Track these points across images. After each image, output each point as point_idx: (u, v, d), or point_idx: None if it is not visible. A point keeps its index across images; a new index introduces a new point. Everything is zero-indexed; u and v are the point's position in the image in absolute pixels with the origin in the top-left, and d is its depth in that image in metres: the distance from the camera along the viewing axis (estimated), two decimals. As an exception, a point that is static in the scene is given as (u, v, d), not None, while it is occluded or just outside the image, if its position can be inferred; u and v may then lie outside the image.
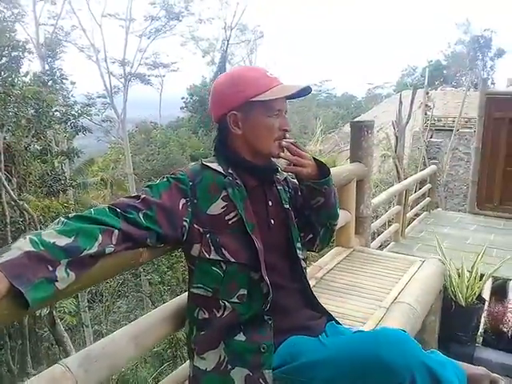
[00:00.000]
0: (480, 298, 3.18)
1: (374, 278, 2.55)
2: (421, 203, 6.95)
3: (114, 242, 1.10)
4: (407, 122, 11.88)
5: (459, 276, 3.13)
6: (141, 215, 1.17)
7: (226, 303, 1.28)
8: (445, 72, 40.28)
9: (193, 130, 25.80)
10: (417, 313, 2.07)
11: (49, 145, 11.02)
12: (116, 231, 1.11)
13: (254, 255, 1.28)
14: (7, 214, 8.07)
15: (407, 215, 5.98)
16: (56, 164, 11.66)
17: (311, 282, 2.11)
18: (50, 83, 12.76)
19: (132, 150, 22.01)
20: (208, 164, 1.35)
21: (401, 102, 11.43)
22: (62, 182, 10.50)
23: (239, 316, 1.28)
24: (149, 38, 23.41)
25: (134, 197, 1.22)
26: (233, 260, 1.27)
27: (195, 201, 1.27)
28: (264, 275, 1.28)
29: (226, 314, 1.28)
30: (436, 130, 15.37)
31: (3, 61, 9.13)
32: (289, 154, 1.35)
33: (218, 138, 1.40)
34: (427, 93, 19.09)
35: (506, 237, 5.94)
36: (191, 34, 28.11)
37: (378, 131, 21.08)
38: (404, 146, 11.39)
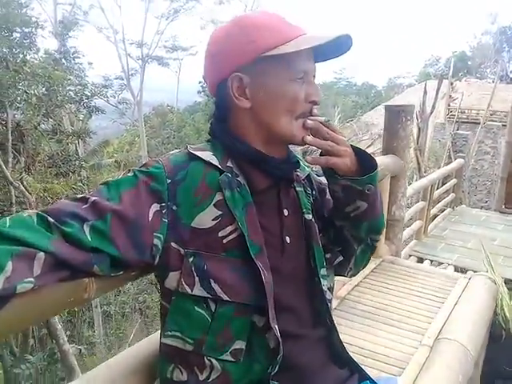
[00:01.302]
0: None
1: (410, 299, 2.11)
2: (445, 199, 6.52)
3: (35, 273, 0.71)
4: (431, 113, 11.37)
5: None
6: (86, 229, 0.79)
7: (214, 361, 0.88)
8: (469, 63, 39.31)
9: (209, 115, 25.45)
10: (470, 355, 1.64)
11: (59, 124, 10.76)
12: (41, 254, 0.72)
13: (259, 291, 0.88)
14: (13, 193, 7.86)
15: (431, 212, 5.57)
16: (68, 145, 11.44)
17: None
18: (63, 62, 12.49)
19: (147, 132, 21.92)
20: (197, 153, 0.91)
21: (425, 92, 10.92)
22: (73, 162, 10.25)
23: (233, 381, 0.89)
24: (167, 19, 23.04)
25: (78, 199, 0.83)
26: (226, 298, 0.87)
27: (174, 207, 0.87)
28: (272, 321, 0.88)
29: (212, 376, 0.89)
30: (457, 121, 14.79)
31: (14, 36, 8.84)
32: (318, 138, 0.92)
33: (215, 115, 0.98)
34: (451, 83, 18.45)
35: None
36: (211, 17, 27.58)
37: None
38: (426, 137, 10.90)
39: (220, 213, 0.88)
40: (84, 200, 0.82)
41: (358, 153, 0.95)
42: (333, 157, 0.91)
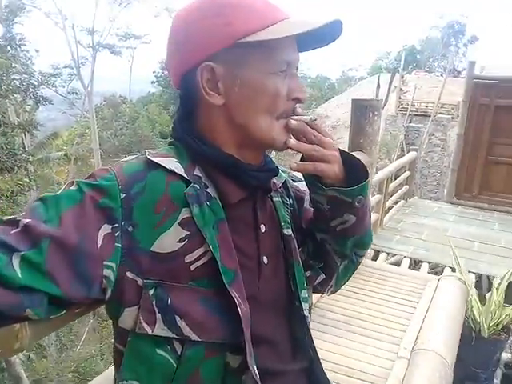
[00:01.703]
0: (506, 328, 2.59)
1: (382, 305, 2.07)
2: (399, 191, 6.65)
3: None
4: (384, 105, 11.57)
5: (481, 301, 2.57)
6: (15, 261, 0.62)
7: None
8: (418, 57, 40.42)
9: (164, 106, 25.07)
10: (448, 365, 1.59)
11: (3, 116, 10.19)
12: None
13: (234, 326, 0.73)
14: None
15: (386, 204, 5.66)
16: (13, 137, 10.86)
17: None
18: (8, 49, 11.83)
19: (99, 124, 21.22)
20: (157, 160, 0.75)
21: (379, 85, 11.12)
22: (19, 156, 9.74)
23: None
24: (120, 5, 22.30)
25: (6, 222, 0.66)
26: (196, 337, 0.72)
27: (130, 228, 0.71)
28: (250, 360, 0.74)
29: None
30: (409, 114, 15.17)
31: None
32: (303, 141, 0.79)
33: (180, 112, 0.82)
34: (402, 77, 18.89)
35: (486, 230, 5.71)
36: (165, 4, 26.95)
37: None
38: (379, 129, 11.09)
39: (187, 233, 0.73)
40: (13, 223, 0.65)
41: (346, 158, 0.82)
42: (320, 163, 0.77)
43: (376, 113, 2.56)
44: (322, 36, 0.78)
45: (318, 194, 0.82)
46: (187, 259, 0.73)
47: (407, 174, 6.82)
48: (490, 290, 4.32)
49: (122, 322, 0.73)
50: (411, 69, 32.68)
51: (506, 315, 2.36)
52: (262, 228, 0.83)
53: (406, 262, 4.64)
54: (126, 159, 0.78)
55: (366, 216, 0.86)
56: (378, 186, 5.43)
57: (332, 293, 1.04)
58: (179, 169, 0.75)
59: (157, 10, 27.40)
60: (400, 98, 18.98)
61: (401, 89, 18.42)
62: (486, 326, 2.40)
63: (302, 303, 0.86)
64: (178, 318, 0.72)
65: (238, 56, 0.74)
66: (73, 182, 0.72)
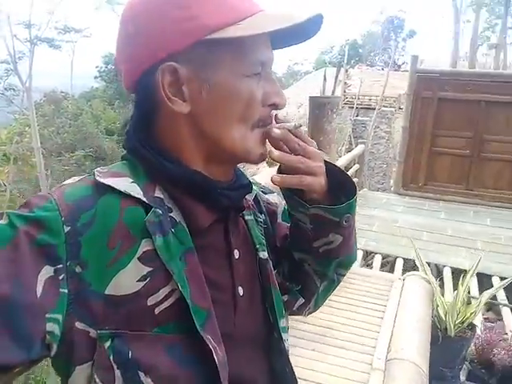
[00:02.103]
0: (471, 325, 2.60)
1: (351, 310, 2.02)
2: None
3: None
4: (331, 100, 11.79)
5: (442, 301, 2.53)
6: None
7: None
8: (360, 51, 41.43)
9: (108, 102, 24.31)
10: (423, 373, 1.56)
11: None
12: None
13: (210, 377, 0.62)
14: None
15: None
16: None
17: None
18: None
19: (40, 122, 20.26)
20: (109, 181, 0.62)
21: (325, 79, 11.29)
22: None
23: None
24: (57, -2, 21.33)
25: None
26: None
27: (78, 269, 0.57)
28: None
29: None
30: (351, 107, 15.54)
31: None
32: (286, 153, 0.68)
33: (134, 120, 0.69)
34: (346, 71, 19.30)
35: (432, 219, 5.94)
36: (105, -3, 26.06)
37: (298, 108, 21.20)
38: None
39: (149, 270, 0.60)
40: None
41: (331, 170, 0.72)
42: (306, 176, 0.68)
43: (334, 110, 2.54)
44: (299, 32, 0.67)
45: (300, 212, 0.72)
46: (150, 301, 0.60)
47: (356, 166, 6.96)
48: (438, 278, 4.49)
49: (73, 381, 0.59)
50: (354, 63, 33.46)
51: (471, 313, 2.42)
52: (236, 254, 0.72)
53: (359, 254, 4.73)
54: (69, 181, 0.64)
55: (352, 235, 0.77)
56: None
57: (310, 313, 0.94)
58: (136, 191, 0.62)
59: (97, 2, 26.44)
60: (345, 91, 19.39)
61: (345, 82, 18.81)
62: (452, 325, 2.42)
63: (282, 334, 0.77)
64: (141, 374, 0.59)
65: (206, 55, 0.62)
66: (2, 214, 0.58)
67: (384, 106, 14.84)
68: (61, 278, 0.56)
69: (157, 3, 0.63)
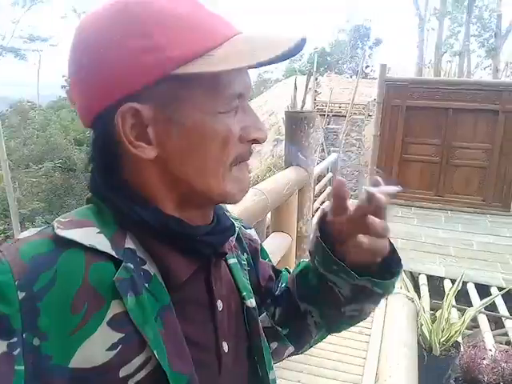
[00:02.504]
0: (456, 343, 2.56)
1: (335, 335, 1.91)
2: (323, 193, 6.79)
3: None
4: (302, 107, 11.87)
5: (433, 320, 2.46)
6: None
7: None
8: (328, 59, 42.04)
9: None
10: None
11: None
12: None
13: None
14: None
15: (313, 207, 5.75)
16: None
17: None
18: None
19: (5, 133, 19.71)
20: (70, 234, 0.53)
21: (296, 88, 11.37)
22: None
23: None
24: (23, 7, 20.91)
25: None
26: None
27: (36, 341, 0.48)
28: None
29: None
30: (321, 115, 15.70)
31: None
32: (373, 217, 0.60)
33: (98, 161, 0.60)
34: (316, 79, 19.50)
35: (407, 226, 6.00)
36: (72, 5, 25.70)
37: (269, 115, 21.30)
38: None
39: (120, 336, 0.52)
40: None
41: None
42: (381, 240, 0.60)
43: (311, 125, 2.47)
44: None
45: (341, 279, 0.64)
46: (123, 372, 0.52)
47: (330, 175, 6.97)
48: (415, 286, 4.53)
49: None
50: (323, 71, 33.89)
51: (456, 331, 2.40)
52: (219, 305, 0.64)
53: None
54: (25, 234, 0.54)
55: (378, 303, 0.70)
56: (312, 181, 5.50)
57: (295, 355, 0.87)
58: (103, 243, 0.53)
59: (64, 11, 26.07)
60: (315, 99, 19.61)
61: (315, 90, 19.01)
62: (437, 344, 2.38)
63: None
64: None
65: (173, 93, 0.54)
66: None
67: (354, 114, 15.03)
68: (15, 353, 0.47)
69: (113, 29, 0.53)
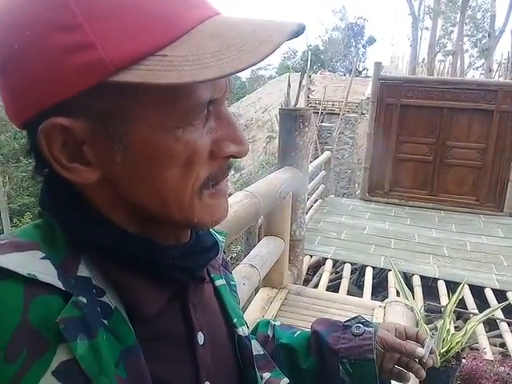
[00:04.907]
0: (456, 354, 2.42)
1: None
2: (317, 191, 6.74)
3: None
4: (295, 105, 11.81)
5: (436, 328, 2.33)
6: None
7: None
8: (322, 57, 42.01)
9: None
10: None
11: None
12: None
13: None
14: None
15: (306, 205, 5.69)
16: None
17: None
18: None
19: (-7, 127, 19.47)
20: (6, 263, 0.40)
21: (289, 85, 11.31)
22: None
23: None
24: None
25: None
26: None
27: None
28: None
29: None
30: (315, 112, 15.66)
31: None
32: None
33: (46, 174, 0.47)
34: (310, 76, 19.44)
35: (399, 225, 5.96)
36: None
37: (262, 113, 21.23)
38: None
39: None
40: None
41: None
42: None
43: (306, 123, 2.35)
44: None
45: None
46: None
47: (323, 173, 6.93)
48: (408, 286, 4.48)
49: None
50: (316, 68, 33.84)
51: (457, 342, 2.33)
52: (200, 338, 0.53)
53: (328, 264, 4.66)
54: None
55: None
56: (307, 181, 5.45)
57: None
58: (47, 272, 0.41)
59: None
60: (308, 96, 19.56)
61: (309, 88, 18.95)
62: (438, 357, 2.29)
63: None
64: None
65: (113, 104, 0.41)
66: None
67: (347, 112, 15.00)
68: None
69: (30, 20, 0.39)
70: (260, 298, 2.38)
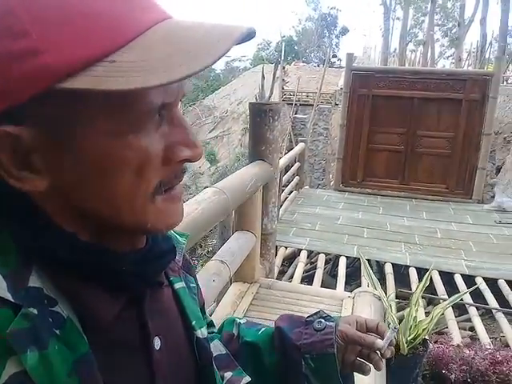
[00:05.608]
0: (423, 341, 2.48)
1: None
2: (291, 182, 6.79)
3: None
4: (270, 96, 11.83)
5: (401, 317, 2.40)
6: None
7: None
8: (296, 48, 42.03)
9: None
10: None
11: None
12: None
13: None
14: None
15: (281, 197, 5.73)
16: None
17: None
18: None
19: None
20: None
21: (263, 76, 11.30)
22: None
23: None
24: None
25: None
26: None
27: None
28: None
29: None
30: (289, 104, 15.71)
31: None
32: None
33: None
34: (284, 67, 19.45)
35: (372, 215, 6.06)
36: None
37: (238, 104, 21.16)
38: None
39: None
40: None
41: None
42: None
43: (276, 117, 2.36)
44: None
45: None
46: None
47: (298, 164, 6.98)
48: (380, 273, 4.57)
49: None
50: (290, 59, 33.85)
51: (424, 329, 2.39)
52: (157, 343, 0.52)
53: (303, 255, 4.72)
54: None
55: None
56: (278, 176, 5.47)
57: None
58: None
59: None
60: (283, 88, 19.59)
61: (283, 79, 18.97)
62: (405, 344, 2.36)
63: None
64: None
65: (62, 111, 0.40)
66: None
67: (321, 103, 15.08)
68: None
69: None
70: (231, 293, 2.39)
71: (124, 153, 0.42)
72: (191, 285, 0.64)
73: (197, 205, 1.49)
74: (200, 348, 0.60)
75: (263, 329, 0.79)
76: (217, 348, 0.70)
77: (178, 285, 0.60)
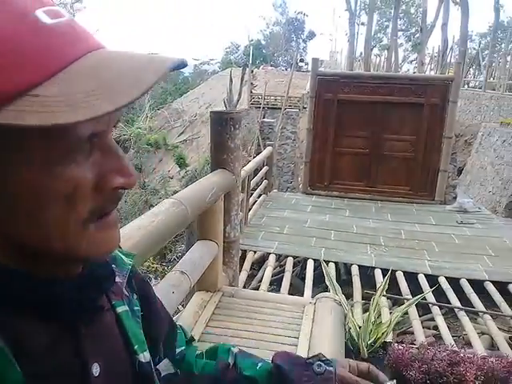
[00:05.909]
0: (383, 344, 2.56)
1: (260, 348, 1.91)
2: (260, 186, 6.83)
3: None
4: (238, 100, 11.86)
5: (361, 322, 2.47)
6: None
7: None
8: (264, 51, 42.20)
9: None
10: None
11: None
12: None
13: None
14: None
15: (249, 201, 5.76)
16: None
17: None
18: None
19: None
20: None
21: (231, 80, 11.34)
22: None
23: None
24: None
25: None
26: None
27: None
28: None
29: None
30: (257, 107, 15.77)
31: None
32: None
33: None
34: (252, 71, 19.53)
35: (339, 217, 6.17)
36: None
37: (206, 108, 21.09)
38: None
39: None
40: None
41: None
42: None
43: (237, 126, 2.38)
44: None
45: None
46: None
47: (266, 168, 7.03)
48: (348, 275, 4.65)
49: None
50: (259, 63, 34.00)
51: (383, 332, 2.44)
52: (96, 369, 0.51)
53: (271, 259, 4.75)
54: None
55: None
56: (240, 184, 5.49)
57: None
58: None
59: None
60: (251, 91, 19.66)
61: (251, 83, 19.04)
62: (365, 348, 2.41)
63: None
64: None
65: None
66: None
67: (289, 107, 15.20)
68: None
69: None
70: (194, 302, 2.38)
71: (51, 184, 0.41)
72: (135, 308, 0.63)
73: (154, 217, 1.48)
74: (143, 371, 0.59)
75: (260, 363, 0.79)
76: (166, 368, 0.70)
77: (121, 308, 0.59)
